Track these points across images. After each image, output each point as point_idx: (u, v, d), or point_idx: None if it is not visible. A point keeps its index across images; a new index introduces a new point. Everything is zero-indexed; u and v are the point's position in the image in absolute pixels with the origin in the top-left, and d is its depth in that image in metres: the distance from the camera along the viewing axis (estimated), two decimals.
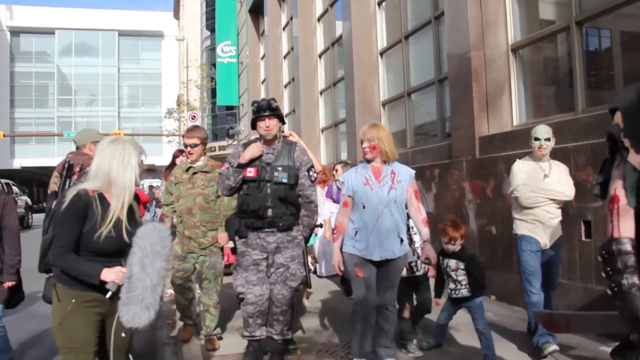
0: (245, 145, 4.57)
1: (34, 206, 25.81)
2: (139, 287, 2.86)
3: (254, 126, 4.58)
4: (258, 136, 4.60)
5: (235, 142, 29.51)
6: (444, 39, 8.36)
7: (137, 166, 3.07)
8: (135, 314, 2.84)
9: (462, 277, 4.51)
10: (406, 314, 4.94)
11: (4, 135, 37.93)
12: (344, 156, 12.97)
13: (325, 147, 15.44)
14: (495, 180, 6.57)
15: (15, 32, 60.75)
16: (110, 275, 2.91)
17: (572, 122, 5.67)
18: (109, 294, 2.90)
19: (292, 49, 17.81)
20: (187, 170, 5.27)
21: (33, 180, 58.89)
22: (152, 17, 65.03)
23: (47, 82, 62.57)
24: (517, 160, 4.89)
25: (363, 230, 4.23)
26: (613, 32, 6.20)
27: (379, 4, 11.25)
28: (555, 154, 5.61)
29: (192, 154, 5.21)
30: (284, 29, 19.77)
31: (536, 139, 4.79)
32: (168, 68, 64.12)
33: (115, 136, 3.19)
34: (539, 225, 4.67)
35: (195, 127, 5.54)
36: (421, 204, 4.42)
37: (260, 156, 4.46)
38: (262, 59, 23.61)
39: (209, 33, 45.14)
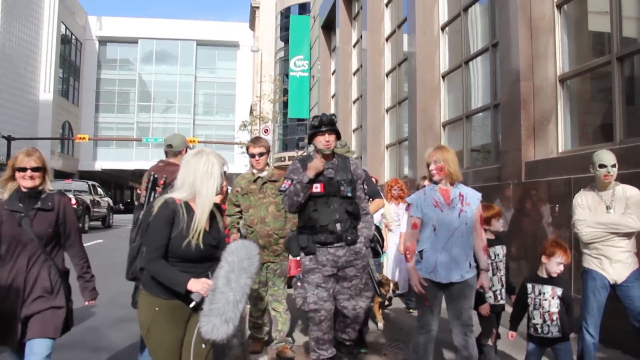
0: (302, 161, 4.61)
1: (114, 207, 27.43)
2: (222, 301, 2.94)
3: (310, 140, 4.62)
4: (314, 150, 4.63)
5: (305, 153, 30.48)
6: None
7: (219, 176, 3.18)
8: (214, 326, 2.91)
9: (554, 308, 4.11)
10: (490, 341, 4.77)
11: (89, 139, 40.48)
12: (406, 172, 13.55)
13: (389, 163, 16.02)
14: (538, 204, 7.04)
15: (103, 41, 64.33)
16: (196, 285, 3.00)
17: None
18: (192, 304, 2.99)
19: (361, 66, 18.52)
20: (255, 180, 5.34)
21: (111, 182, 61.84)
22: (229, 28, 67.39)
23: (129, 88, 65.86)
24: (580, 191, 4.79)
25: (431, 252, 4.21)
26: None
27: (442, 29, 11.83)
28: (587, 184, 6.10)
29: (259, 162, 5.31)
30: (354, 46, 20.52)
31: (602, 165, 4.53)
32: (242, 77, 66.25)
33: (199, 148, 3.33)
34: (604, 260, 4.48)
35: (258, 138, 5.64)
36: (482, 230, 4.43)
37: (322, 171, 4.48)
38: (332, 74, 24.41)
39: (282, 44, 46.44)
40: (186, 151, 4.85)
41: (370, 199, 5.35)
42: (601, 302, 4.51)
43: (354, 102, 20.46)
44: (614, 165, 4.55)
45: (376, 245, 5.19)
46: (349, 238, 4.45)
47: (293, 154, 39.82)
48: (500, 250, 4.70)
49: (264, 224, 5.25)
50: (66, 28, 56.02)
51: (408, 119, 13.15)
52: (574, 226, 4.59)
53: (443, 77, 11.78)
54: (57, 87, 53.20)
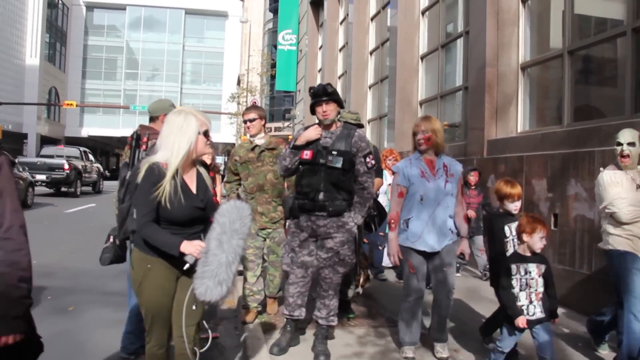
0: (307, 128, 4.61)
1: (103, 172, 28.11)
2: (214, 263, 2.94)
3: (313, 111, 4.58)
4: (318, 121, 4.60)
5: (291, 125, 31.22)
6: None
7: (194, 134, 3.12)
8: (208, 287, 2.93)
9: (541, 287, 3.91)
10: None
11: (77, 105, 40.82)
12: (387, 145, 14.40)
13: (370, 136, 16.84)
14: (495, 177, 7.96)
15: (90, 7, 64.08)
16: (189, 248, 3.00)
17: (551, 134, 7.04)
18: (186, 266, 3.02)
19: (347, 43, 19.25)
20: (253, 149, 5.38)
21: (97, 148, 61.96)
22: None
23: (116, 55, 65.84)
24: (605, 170, 4.43)
25: (416, 221, 4.29)
26: (596, 61, 7.46)
27: (423, 13, 12.61)
28: (536, 161, 7.04)
29: (250, 128, 5.36)
30: (341, 23, 21.17)
31: (618, 143, 4.34)
32: (230, 47, 66.46)
33: (180, 107, 3.31)
34: (637, 241, 4.23)
35: (253, 105, 5.70)
36: (463, 199, 4.53)
37: (318, 139, 4.44)
38: (319, 49, 25.07)
39: (271, 15, 46.78)
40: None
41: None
42: None
43: (339, 77, 21.19)
44: (632, 144, 4.29)
45: (369, 221, 5.17)
46: (331, 209, 4.38)
47: (279, 124, 40.63)
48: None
49: (263, 191, 5.34)
50: None
51: (388, 96, 14.00)
52: (612, 205, 4.24)
53: (422, 58, 12.60)
54: (44, 52, 53.07)
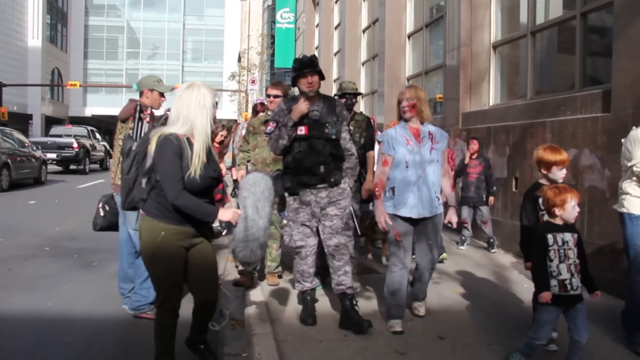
0: (288, 102, 4.56)
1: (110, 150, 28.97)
2: (254, 227, 3.13)
3: (294, 83, 4.54)
4: (299, 92, 4.55)
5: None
6: None
7: (212, 107, 3.22)
8: (252, 250, 3.14)
9: (577, 259, 3.52)
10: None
11: (80, 85, 41.62)
12: (378, 119, 15.24)
13: (364, 111, 17.67)
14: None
15: None
16: (227, 215, 3.15)
17: (513, 107, 7.92)
18: (224, 232, 3.36)
19: (341, 21, 20.01)
20: (265, 122, 5.37)
21: (101, 127, 62.40)
22: None
23: (117, 35, 66.23)
24: (638, 128, 4.18)
25: (402, 188, 4.28)
26: (554, 41, 8.29)
27: None
28: (501, 131, 7.92)
29: (272, 102, 5.47)
30: (335, 2, 21.87)
31: None
32: (230, 25, 66.79)
33: (190, 82, 3.32)
34: None
35: (279, 81, 5.90)
36: (449, 168, 4.59)
37: (307, 113, 4.41)
38: (316, 27, 25.77)
39: None
40: (151, 92, 4.89)
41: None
42: None
43: (335, 55, 21.92)
44: None
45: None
46: (332, 180, 4.44)
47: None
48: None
49: (265, 164, 5.47)
50: None
51: (378, 73, 14.83)
52: (637, 166, 4.05)
53: (408, 37, 13.41)
54: (45, 33, 53.49)
